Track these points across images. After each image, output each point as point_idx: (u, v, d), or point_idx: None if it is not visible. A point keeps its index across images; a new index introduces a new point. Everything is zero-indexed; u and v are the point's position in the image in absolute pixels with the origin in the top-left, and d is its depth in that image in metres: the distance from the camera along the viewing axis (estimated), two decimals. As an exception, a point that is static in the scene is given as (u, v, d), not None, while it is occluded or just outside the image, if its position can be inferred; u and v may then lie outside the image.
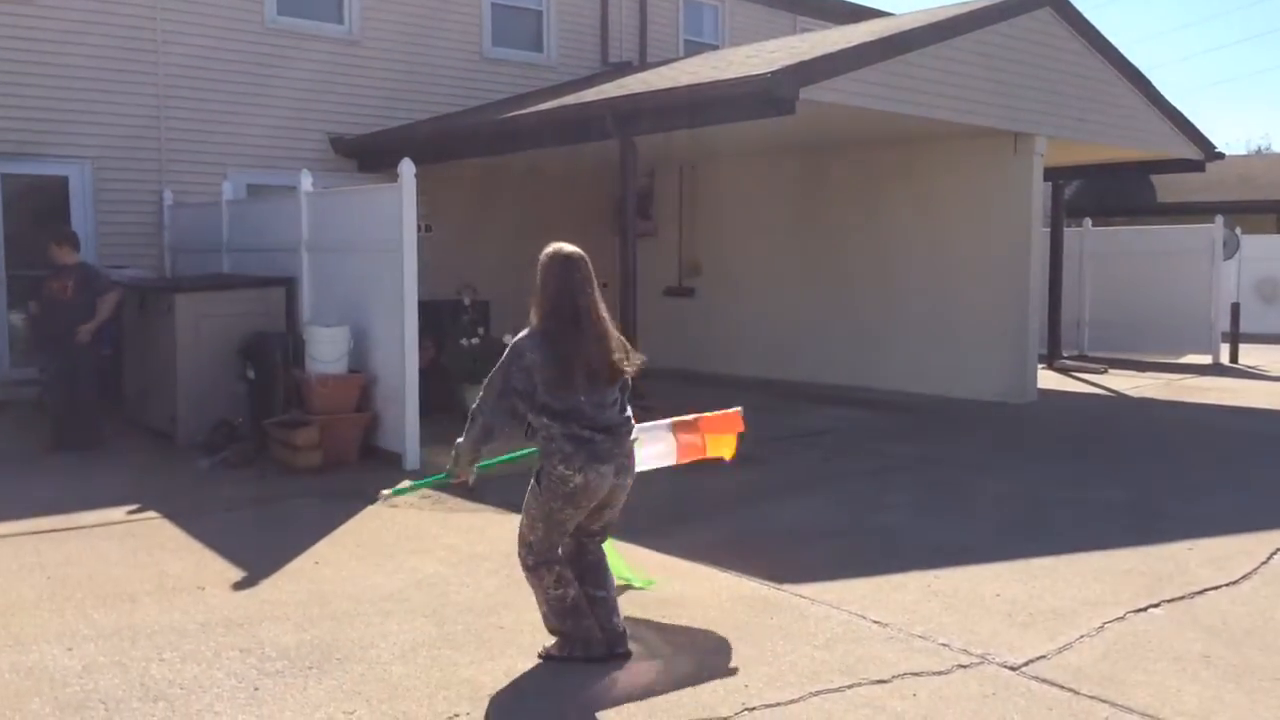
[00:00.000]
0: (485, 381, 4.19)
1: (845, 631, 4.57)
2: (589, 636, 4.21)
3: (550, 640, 4.29)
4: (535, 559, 4.22)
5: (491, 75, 14.23)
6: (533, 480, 4.19)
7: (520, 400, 4.13)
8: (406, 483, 4.49)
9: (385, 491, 5.07)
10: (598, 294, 4.20)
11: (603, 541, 4.46)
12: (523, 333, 4.19)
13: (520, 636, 4.48)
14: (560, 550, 4.28)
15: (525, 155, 12.00)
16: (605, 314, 4.18)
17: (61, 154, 11.20)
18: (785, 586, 5.15)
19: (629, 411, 4.29)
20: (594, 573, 4.36)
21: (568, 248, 4.21)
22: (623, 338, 4.26)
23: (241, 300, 9.03)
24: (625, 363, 4.17)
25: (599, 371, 4.11)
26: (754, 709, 3.80)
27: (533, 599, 4.93)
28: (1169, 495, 7.31)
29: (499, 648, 4.37)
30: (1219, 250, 16.16)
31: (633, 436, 4.28)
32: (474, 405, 4.20)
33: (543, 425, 4.10)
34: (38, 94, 10.97)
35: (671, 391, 11.82)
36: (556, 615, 4.23)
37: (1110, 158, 14.28)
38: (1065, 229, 15.91)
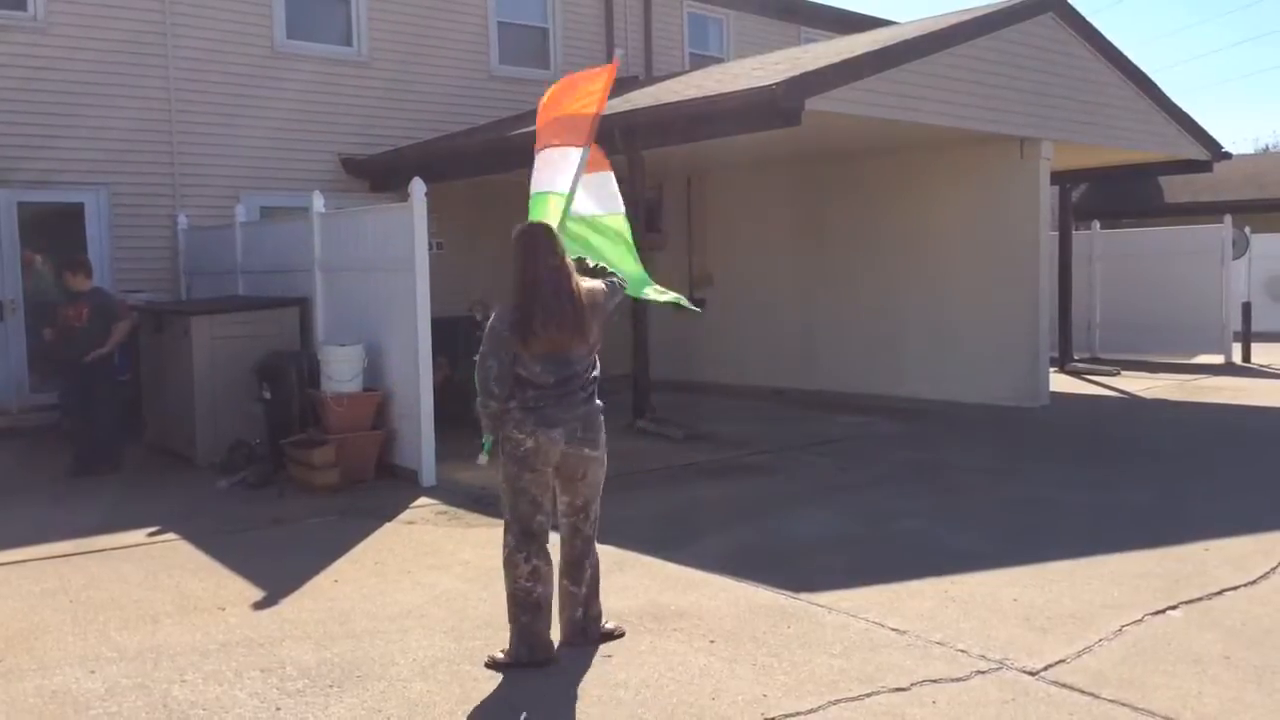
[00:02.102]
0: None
1: (863, 639, 4.58)
2: (538, 640, 4.36)
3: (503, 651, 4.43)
4: (514, 541, 4.39)
5: (499, 92, 14.31)
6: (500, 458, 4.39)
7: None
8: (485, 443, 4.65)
9: (481, 459, 4.80)
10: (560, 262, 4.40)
11: (590, 529, 4.61)
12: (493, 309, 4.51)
13: (539, 650, 4.50)
14: (545, 544, 4.43)
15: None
16: (569, 282, 4.36)
17: (77, 181, 11.32)
18: (802, 595, 5.16)
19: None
20: (576, 569, 4.57)
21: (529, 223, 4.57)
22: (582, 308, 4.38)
23: (256, 321, 9.10)
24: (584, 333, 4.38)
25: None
26: (773, 719, 3.81)
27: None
28: (1184, 496, 7.29)
29: (518, 662, 4.39)
30: (1229, 250, 16.12)
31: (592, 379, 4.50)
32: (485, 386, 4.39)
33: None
34: (52, 122, 11.09)
35: (683, 403, 11.85)
36: (518, 606, 4.37)
37: (1117, 160, 14.27)
38: (1074, 232, 15.90)
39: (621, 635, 4.63)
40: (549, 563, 4.46)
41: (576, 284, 4.38)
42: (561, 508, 4.55)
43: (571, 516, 4.56)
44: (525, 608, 4.36)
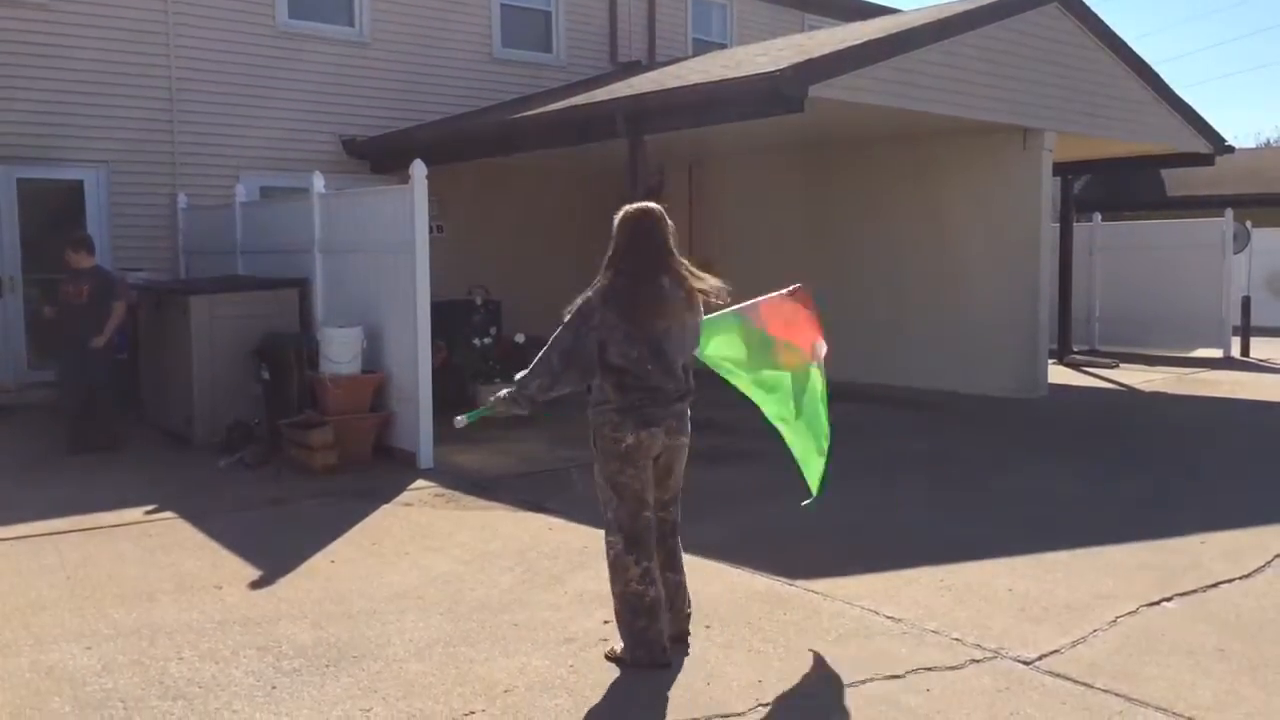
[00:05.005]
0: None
1: (858, 627, 4.59)
2: (657, 643, 4.13)
3: (617, 643, 4.23)
4: (622, 543, 4.13)
5: (501, 76, 14.26)
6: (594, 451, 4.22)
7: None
8: (473, 412, 4.46)
9: (460, 419, 4.52)
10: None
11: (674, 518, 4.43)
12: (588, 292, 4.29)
13: (534, 633, 4.52)
14: (651, 544, 4.20)
15: (535, 155, 12.02)
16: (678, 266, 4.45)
17: (77, 158, 11.29)
18: (797, 582, 5.17)
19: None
20: (674, 557, 4.39)
21: (642, 205, 4.55)
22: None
23: (256, 302, 9.08)
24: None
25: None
26: (768, 704, 3.82)
27: (547, 596, 4.98)
28: (1181, 489, 7.31)
29: (514, 645, 4.40)
30: (1229, 244, 16.12)
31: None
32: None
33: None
34: (53, 99, 11.05)
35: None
36: (631, 612, 4.11)
37: (1119, 152, 14.23)
38: (1075, 224, 15.88)
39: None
40: (654, 562, 4.19)
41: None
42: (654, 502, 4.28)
43: (662, 510, 4.33)
44: (637, 613, 4.10)
